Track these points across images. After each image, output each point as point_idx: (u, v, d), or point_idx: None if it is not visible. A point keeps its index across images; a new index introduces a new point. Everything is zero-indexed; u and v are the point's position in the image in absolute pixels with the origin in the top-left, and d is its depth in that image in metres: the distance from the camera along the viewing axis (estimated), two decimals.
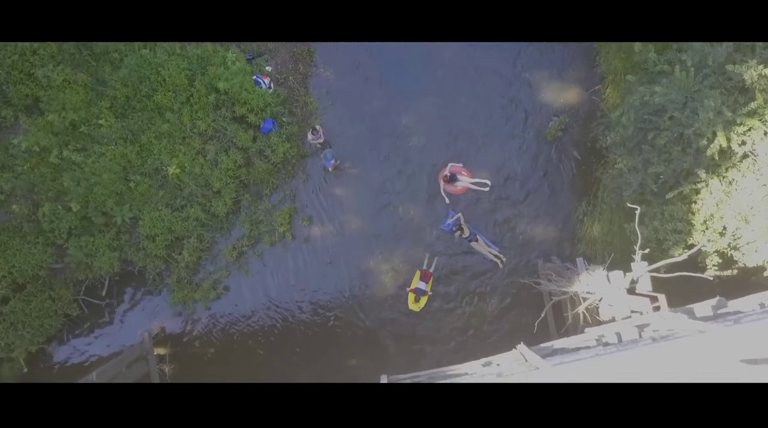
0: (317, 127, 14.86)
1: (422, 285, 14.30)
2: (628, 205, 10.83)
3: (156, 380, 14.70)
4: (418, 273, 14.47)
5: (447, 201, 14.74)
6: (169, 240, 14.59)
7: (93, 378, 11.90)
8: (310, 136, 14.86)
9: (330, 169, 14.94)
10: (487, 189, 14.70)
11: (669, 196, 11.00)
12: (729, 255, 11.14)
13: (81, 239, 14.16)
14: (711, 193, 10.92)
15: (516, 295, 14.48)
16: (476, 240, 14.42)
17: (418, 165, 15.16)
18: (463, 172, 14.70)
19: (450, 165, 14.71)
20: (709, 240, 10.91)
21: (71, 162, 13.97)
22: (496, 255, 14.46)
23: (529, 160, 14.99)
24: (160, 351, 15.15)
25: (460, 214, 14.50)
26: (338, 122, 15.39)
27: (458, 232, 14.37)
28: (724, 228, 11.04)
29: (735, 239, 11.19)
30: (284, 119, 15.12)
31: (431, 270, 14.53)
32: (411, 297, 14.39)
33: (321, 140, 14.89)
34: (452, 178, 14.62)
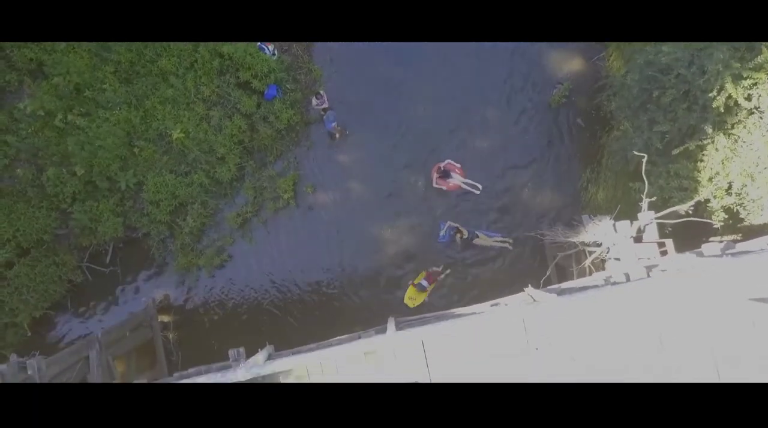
0: (321, 91, 14.84)
1: (425, 283, 14.18)
2: (635, 153, 10.82)
3: (160, 347, 14.73)
4: (423, 274, 14.38)
5: (444, 188, 14.75)
6: (173, 206, 14.60)
7: (98, 335, 11.91)
8: (314, 101, 14.85)
9: (336, 135, 14.92)
10: (478, 192, 14.66)
11: (675, 152, 10.99)
12: (735, 210, 11.13)
13: (85, 204, 14.19)
14: (717, 150, 10.89)
15: (520, 260, 14.49)
16: (477, 237, 14.39)
17: (420, 138, 15.11)
18: (456, 170, 14.70)
19: (447, 161, 14.72)
20: (714, 196, 10.90)
21: (75, 126, 13.99)
22: (502, 241, 14.43)
23: (533, 129, 14.97)
24: (164, 318, 15.17)
25: (449, 222, 14.43)
26: (342, 90, 15.37)
27: (458, 235, 14.25)
28: (730, 185, 11.03)
29: (740, 198, 11.17)
30: (288, 86, 15.10)
31: (439, 279, 14.38)
32: (410, 290, 14.29)
33: (325, 105, 14.87)
34: (445, 174, 14.60)
